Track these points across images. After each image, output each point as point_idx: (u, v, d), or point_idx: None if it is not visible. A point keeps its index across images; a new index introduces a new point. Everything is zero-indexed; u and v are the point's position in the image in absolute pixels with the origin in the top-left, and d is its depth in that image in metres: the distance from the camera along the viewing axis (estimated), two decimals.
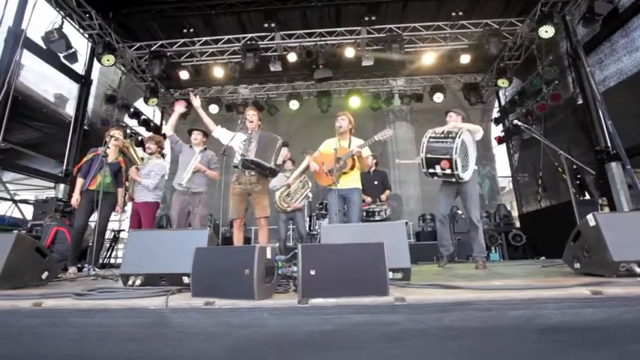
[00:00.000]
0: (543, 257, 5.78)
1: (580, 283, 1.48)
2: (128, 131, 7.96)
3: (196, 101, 3.62)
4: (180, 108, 3.75)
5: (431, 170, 3.29)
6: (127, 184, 3.89)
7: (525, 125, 3.48)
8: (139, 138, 8.06)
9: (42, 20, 6.31)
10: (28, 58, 6.22)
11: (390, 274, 1.97)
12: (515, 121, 3.49)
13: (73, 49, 6.23)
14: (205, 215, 4.00)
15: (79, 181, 3.49)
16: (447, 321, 1.33)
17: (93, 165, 3.51)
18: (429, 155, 3.25)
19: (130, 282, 2.09)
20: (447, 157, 3.16)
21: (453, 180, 3.33)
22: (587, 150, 6.12)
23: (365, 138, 3.43)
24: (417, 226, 7.93)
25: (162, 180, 4.07)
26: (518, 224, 7.69)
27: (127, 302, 1.47)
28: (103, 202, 3.31)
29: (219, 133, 3.58)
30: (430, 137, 3.32)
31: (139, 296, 1.55)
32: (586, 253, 2.01)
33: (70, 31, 6.54)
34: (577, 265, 2.12)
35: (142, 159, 4.17)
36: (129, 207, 4.02)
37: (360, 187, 3.46)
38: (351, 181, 3.38)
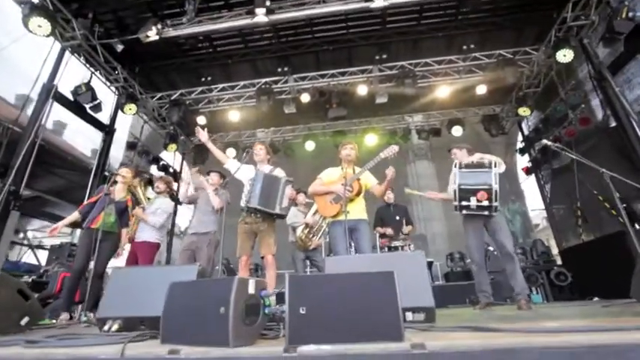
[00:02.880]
0: (595, 298, 5.01)
1: None
2: (137, 171, 8.09)
3: (203, 135, 3.56)
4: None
5: (464, 203, 3.01)
6: (131, 224, 3.75)
7: (556, 145, 3.12)
8: (149, 178, 8.17)
9: (73, 75, 6.83)
10: (69, 118, 6.63)
11: (410, 316, 1.60)
12: (544, 141, 3.13)
13: (98, 101, 6.58)
14: (212, 257, 3.74)
15: (75, 214, 3.38)
16: None
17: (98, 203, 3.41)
18: (463, 186, 2.99)
19: (106, 327, 1.82)
20: (486, 187, 2.93)
21: (485, 213, 3.06)
22: (629, 174, 5.53)
23: (382, 179, 3.21)
24: (446, 266, 7.27)
25: (169, 220, 3.91)
26: (558, 261, 6.89)
27: (75, 351, 1.20)
28: (103, 243, 3.15)
29: (231, 165, 3.48)
30: (462, 168, 3.07)
31: (90, 343, 1.27)
32: None
33: (98, 84, 7.00)
34: None
35: (149, 199, 4.07)
36: (127, 248, 3.84)
37: (367, 218, 3.16)
38: (359, 211, 3.07)
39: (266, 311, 1.27)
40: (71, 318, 3.04)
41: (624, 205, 5.85)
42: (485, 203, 2.95)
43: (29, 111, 6.02)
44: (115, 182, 3.41)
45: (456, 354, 1.01)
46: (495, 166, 3.00)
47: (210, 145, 3.62)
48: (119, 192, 3.53)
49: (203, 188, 3.83)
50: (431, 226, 9.94)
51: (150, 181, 4.36)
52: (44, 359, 1.20)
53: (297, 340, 1.08)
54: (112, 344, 1.31)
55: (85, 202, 3.49)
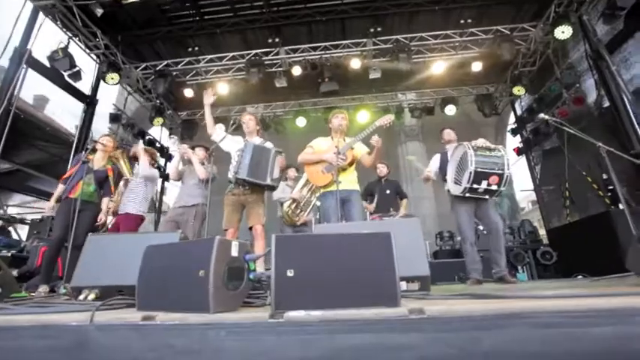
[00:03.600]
0: (580, 276, 5.12)
1: None
2: (119, 142, 7.78)
3: (209, 98, 3.37)
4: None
5: (474, 186, 2.95)
6: (114, 197, 3.59)
7: (554, 119, 3.05)
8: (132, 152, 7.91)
9: (51, 41, 6.39)
10: (51, 93, 6.25)
11: (404, 285, 1.53)
12: (542, 115, 3.06)
13: (77, 68, 6.21)
14: (198, 230, 3.62)
15: (59, 187, 3.20)
16: (490, 343, 0.89)
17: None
18: (479, 169, 2.91)
19: (81, 297, 1.71)
20: (499, 172, 2.92)
21: (487, 197, 3.09)
22: (619, 156, 5.56)
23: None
24: (435, 245, 7.33)
25: (153, 190, 3.76)
26: (545, 241, 7.01)
27: (41, 318, 1.08)
28: (82, 213, 2.99)
29: (218, 134, 3.31)
30: (477, 150, 3.00)
31: (59, 310, 1.16)
32: None
33: (77, 51, 6.59)
34: None
35: (132, 173, 3.88)
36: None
37: (359, 189, 3.07)
38: (351, 181, 2.98)
39: (251, 276, 1.17)
40: (53, 291, 2.91)
41: (611, 187, 5.94)
42: (494, 187, 2.93)
43: None
44: (95, 150, 3.21)
45: (456, 319, 0.94)
46: (504, 151, 3.02)
47: (208, 110, 3.43)
48: (99, 161, 3.34)
49: (190, 163, 3.68)
50: (421, 206, 9.99)
51: (134, 157, 4.13)
52: (5, 326, 1.09)
53: (285, 305, 0.98)
54: (82, 311, 1.20)
55: (67, 174, 3.29)
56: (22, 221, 6.75)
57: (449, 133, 3.70)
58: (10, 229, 8.19)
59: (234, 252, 1.12)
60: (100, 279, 1.73)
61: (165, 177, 8.99)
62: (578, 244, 5.70)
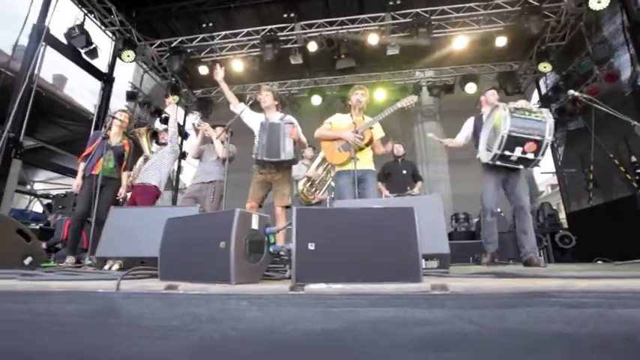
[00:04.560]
0: (600, 261, 5.01)
1: None
2: (142, 121, 7.89)
3: (220, 73, 3.33)
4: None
5: (507, 153, 2.61)
6: (132, 172, 3.66)
7: (584, 95, 2.88)
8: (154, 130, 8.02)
9: (66, 18, 6.41)
10: (70, 72, 6.33)
11: (423, 263, 1.51)
12: (571, 92, 2.86)
13: (93, 45, 6.24)
14: (216, 208, 3.68)
15: (81, 166, 3.29)
16: (514, 321, 0.87)
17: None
18: (513, 133, 2.55)
19: (106, 267, 1.77)
20: (538, 138, 2.57)
21: (521, 167, 2.77)
22: None
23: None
24: (450, 227, 7.27)
25: (173, 164, 3.84)
26: (565, 225, 6.85)
27: (69, 284, 1.13)
28: (103, 189, 3.08)
29: (239, 107, 3.28)
30: (514, 112, 2.62)
31: (87, 278, 1.20)
32: None
33: (93, 28, 6.60)
34: None
35: (152, 152, 3.95)
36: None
37: (374, 169, 3.02)
38: (367, 161, 2.95)
39: (271, 249, 1.18)
40: (79, 262, 3.05)
41: (636, 169, 5.67)
42: (530, 156, 2.59)
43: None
44: (106, 126, 3.25)
45: (480, 296, 0.92)
46: (549, 116, 2.65)
47: (224, 85, 3.39)
48: (115, 136, 3.40)
49: (209, 141, 3.69)
50: (436, 188, 9.84)
51: (155, 134, 4.20)
52: (36, 291, 1.14)
53: (305, 278, 0.99)
54: (108, 279, 1.24)
55: (87, 151, 3.35)
56: (47, 197, 7.02)
57: (493, 94, 3.28)
58: (37, 203, 8.58)
59: (255, 225, 1.12)
60: (123, 250, 1.79)
61: (182, 155, 9.12)
62: (599, 229, 5.53)
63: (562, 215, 7.65)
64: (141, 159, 3.90)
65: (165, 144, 3.93)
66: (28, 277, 1.27)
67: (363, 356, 0.90)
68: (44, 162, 9.48)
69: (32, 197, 9.70)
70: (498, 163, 2.75)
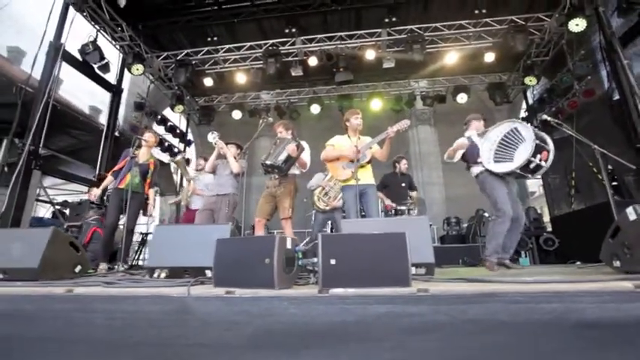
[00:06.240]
0: (578, 262, 5.45)
1: (621, 277, 1.37)
2: (175, 150, 8.50)
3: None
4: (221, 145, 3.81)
5: (536, 157, 2.87)
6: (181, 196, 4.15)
7: (555, 120, 3.31)
8: (186, 157, 8.64)
9: (79, 34, 6.73)
10: (65, 74, 6.62)
11: (413, 270, 1.92)
12: (544, 116, 3.29)
13: (105, 60, 6.57)
14: (230, 217, 4.06)
15: (109, 179, 3.67)
16: (472, 313, 1.28)
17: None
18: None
19: (155, 275, 2.16)
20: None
21: (529, 176, 3.09)
22: (626, 149, 5.75)
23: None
24: (442, 230, 7.71)
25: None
26: (549, 228, 7.31)
27: (153, 290, 1.51)
28: (130, 202, 3.44)
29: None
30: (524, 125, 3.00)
31: (163, 285, 1.59)
32: (627, 249, 1.87)
33: (104, 43, 6.93)
34: (617, 264, 1.98)
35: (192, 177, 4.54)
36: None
37: (375, 183, 3.42)
38: (368, 176, 3.35)
39: (300, 263, 1.58)
40: (111, 268, 3.42)
41: (616, 177, 6.14)
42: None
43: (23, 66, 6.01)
44: (140, 146, 3.64)
45: (453, 296, 1.33)
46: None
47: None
48: (143, 155, 3.78)
49: (222, 157, 4.05)
50: (430, 191, 10.29)
51: (187, 161, 4.83)
52: (125, 296, 1.53)
53: (329, 284, 1.39)
54: (175, 286, 1.63)
55: (117, 167, 3.73)
56: (51, 202, 7.37)
57: (472, 123, 3.55)
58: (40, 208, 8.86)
59: (289, 245, 1.52)
60: (169, 261, 2.17)
61: (186, 161, 9.48)
62: (578, 232, 5.97)
63: (547, 219, 8.14)
64: (185, 183, 4.37)
65: (202, 169, 4.45)
66: (112, 285, 1.65)
67: (371, 339, 1.30)
68: (52, 169, 9.78)
69: (36, 203, 9.98)
70: (519, 171, 2.97)
